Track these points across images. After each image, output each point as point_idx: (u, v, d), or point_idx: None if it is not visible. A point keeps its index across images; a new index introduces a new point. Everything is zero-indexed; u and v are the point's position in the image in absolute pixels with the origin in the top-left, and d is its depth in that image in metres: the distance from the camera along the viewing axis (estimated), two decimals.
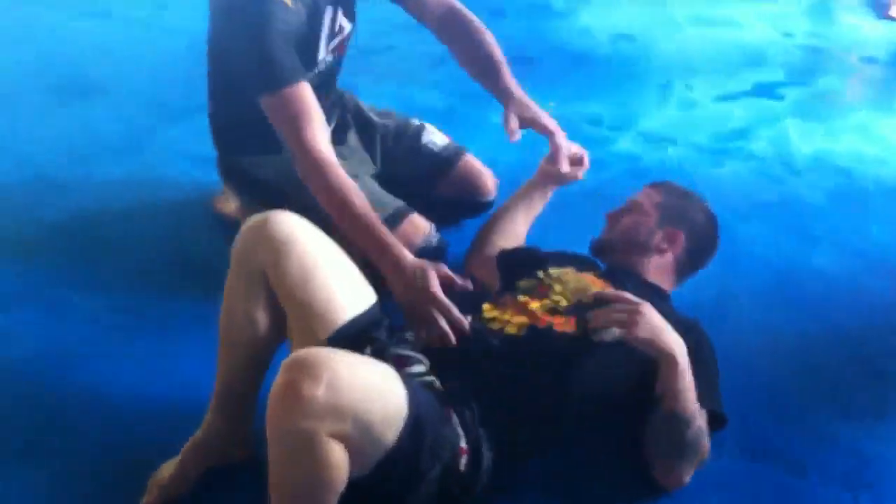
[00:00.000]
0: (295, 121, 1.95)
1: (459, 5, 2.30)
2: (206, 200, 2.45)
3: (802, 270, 2.28)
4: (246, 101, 2.07)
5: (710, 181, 2.55)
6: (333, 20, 2.13)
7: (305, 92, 1.97)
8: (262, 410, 1.46)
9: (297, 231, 1.67)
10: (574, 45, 3.31)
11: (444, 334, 1.71)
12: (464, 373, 1.68)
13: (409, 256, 1.80)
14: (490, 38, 2.23)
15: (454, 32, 2.26)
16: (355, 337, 1.65)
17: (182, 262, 2.29)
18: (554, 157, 2.10)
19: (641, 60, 3.22)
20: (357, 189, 1.89)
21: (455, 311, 1.72)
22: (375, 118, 2.41)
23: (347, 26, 2.19)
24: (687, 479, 1.70)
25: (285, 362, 1.41)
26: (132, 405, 1.91)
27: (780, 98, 2.97)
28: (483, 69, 2.21)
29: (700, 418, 1.67)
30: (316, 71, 2.12)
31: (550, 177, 2.14)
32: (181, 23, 3.41)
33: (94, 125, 2.92)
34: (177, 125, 2.71)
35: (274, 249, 1.65)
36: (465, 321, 1.73)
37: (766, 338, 2.08)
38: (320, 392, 1.35)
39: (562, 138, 2.09)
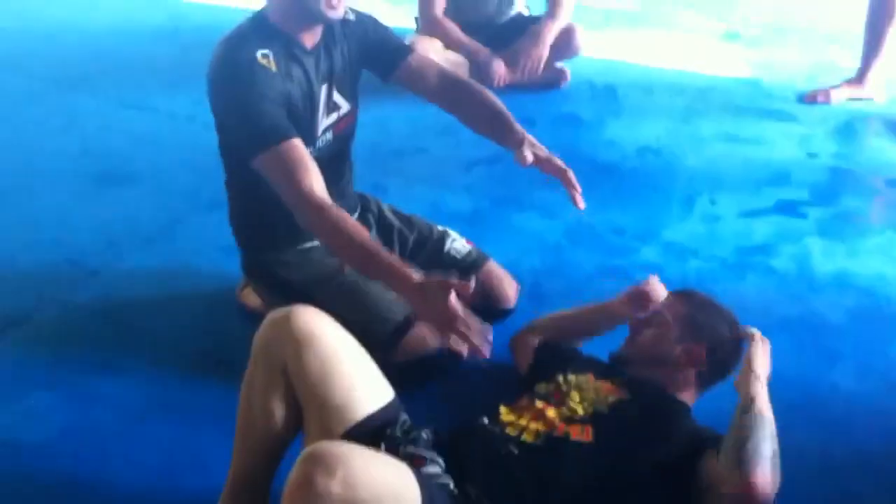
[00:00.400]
0: (291, 174, 1.99)
1: (454, 72, 2.43)
2: (231, 290, 2.50)
3: (824, 389, 2.26)
4: (257, 193, 2.16)
5: (731, 294, 2.54)
6: (329, 97, 2.21)
7: (297, 145, 2.02)
8: (274, 502, 1.48)
9: (318, 327, 1.72)
10: (601, 157, 3.38)
11: (476, 349, 1.77)
12: (480, 478, 1.68)
13: (415, 277, 1.85)
14: (491, 95, 2.33)
15: (456, 96, 2.34)
16: (371, 433, 1.67)
17: (205, 350, 2.33)
18: (571, 196, 2.20)
19: (666, 174, 3.27)
20: (356, 224, 1.99)
21: (476, 323, 1.80)
22: (397, 223, 2.46)
23: (345, 105, 2.26)
24: (770, 486, 1.61)
25: (302, 455, 1.43)
26: (149, 489, 1.94)
27: (804, 216, 3.00)
28: (492, 122, 2.30)
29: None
30: (316, 147, 2.19)
31: (627, 309, 2.14)
32: None
33: (129, 212, 3.01)
34: (208, 215, 2.77)
35: (295, 344, 1.69)
36: (488, 333, 1.80)
37: (789, 458, 2.04)
38: (335, 487, 1.38)
39: (573, 176, 2.20)
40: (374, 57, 2.30)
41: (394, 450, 1.66)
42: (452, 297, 1.77)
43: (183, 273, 2.68)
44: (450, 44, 3.85)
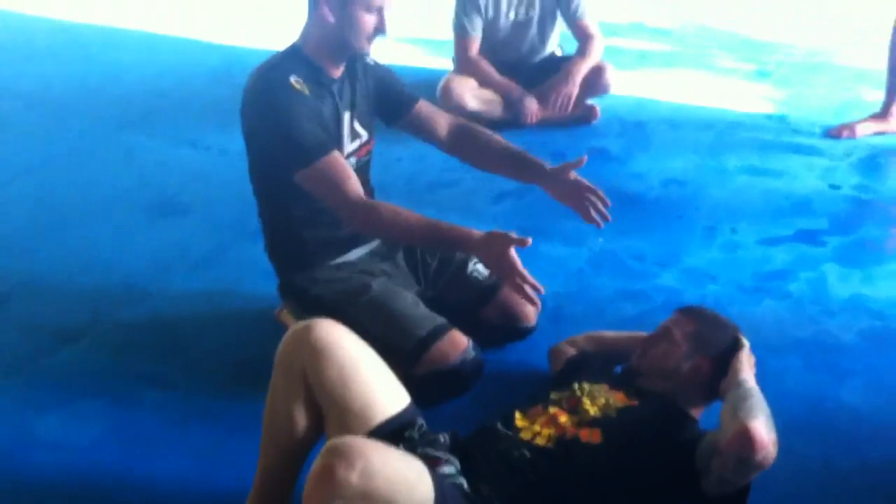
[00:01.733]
0: (338, 185, 2.23)
1: (461, 120, 2.62)
2: (271, 311, 2.66)
3: (831, 404, 2.35)
4: (288, 217, 2.37)
5: (747, 317, 2.64)
6: (351, 125, 2.40)
7: (338, 157, 2.25)
8: (297, 502, 1.61)
9: (336, 337, 1.84)
10: (626, 187, 3.50)
11: (528, 297, 2.15)
12: (493, 479, 1.80)
13: (476, 236, 2.15)
14: (499, 137, 2.55)
15: (464, 142, 2.56)
16: (389, 436, 1.78)
17: (243, 364, 2.50)
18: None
19: (690, 204, 3.38)
20: (404, 210, 2.22)
21: (528, 276, 2.10)
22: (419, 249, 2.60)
23: (364, 134, 2.45)
24: (767, 435, 1.68)
25: (324, 447, 1.56)
26: (185, 489, 2.10)
27: (822, 244, 3.08)
28: (506, 161, 2.51)
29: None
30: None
31: None
32: None
33: (180, 240, 3.21)
34: (252, 243, 2.93)
35: (314, 353, 1.81)
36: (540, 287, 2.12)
37: (792, 467, 2.13)
38: (354, 477, 1.49)
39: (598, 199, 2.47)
40: (385, 101, 2.50)
41: (411, 451, 1.76)
42: (512, 250, 2.07)
43: (227, 295, 2.86)
44: (484, 82, 4.02)
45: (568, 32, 4.15)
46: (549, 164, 2.45)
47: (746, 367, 1.99)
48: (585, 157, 2.40)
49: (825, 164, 3.64)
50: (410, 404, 1.89)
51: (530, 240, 2.08)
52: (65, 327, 2.71)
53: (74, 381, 2.49)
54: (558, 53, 4.26)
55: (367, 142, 2.48)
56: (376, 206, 2.24)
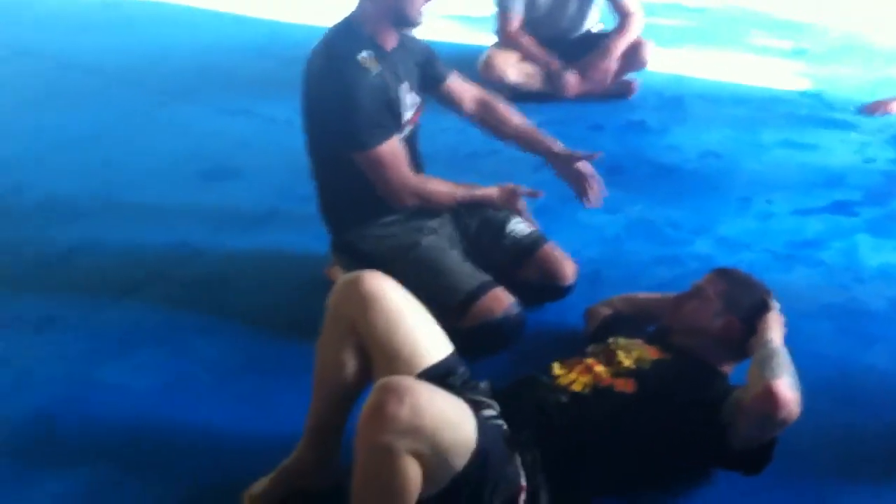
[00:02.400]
0: (392, 170, 2.43)
1: (486, 93, 2.79)
2: (319, 269, 2.77)
3: (857, 367, 2.43)
4: (340, 178, 2.50)
5: (779, 283, 2.67)
6: (407, 93, 2.52)
7: (393, 143, 2.41)
8: (347, 446, 1.72)
9: (383, 288, 1.93)
10: (663, 159, 3.58)
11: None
12: (531, 422, 1.89)
13: (496, 192, 2.66)
14: (517, 115, 2.79)
15: (486, 117, 2.76)
16: (434, 381, 1.84)
17: (294, 318, 2.60)
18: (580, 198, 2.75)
19: (726, 176, 3.45)
20: (440, 182, 2.60)
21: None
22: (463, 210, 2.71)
23: (417, 99, 2.58)
24: (790, 394, 1.76)
25: (376, 385, 1.65)
26: (238, 433, 2.22)
27: (856, 215, 3.15)
28: (525, 138, 2.76)
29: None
30: (402, 136, 2.50)
31: None
32: None
33: (231, 203, 3.34)
34: (301, 206, 3.06)
35: (363, 303, 1.91)
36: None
37: (815, 425, 2.20)
38: (403, 412, 1.58)
39: (591, 183, 2.72)
40: (423, 72, 2.62)
41: (456, 395, 1.87)
42: (521, 201, 2.65)
43: (277, 255, 2.98)
44: (526, 56, 4.11)
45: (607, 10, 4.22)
46: (559, 145, 2.70)
47: (775, 327, 2.05)
48: (598, 154, 2.70)
49: (859, 138, 3.69)
50: (454, 352, 1.99)
51: (542, 193, 2.65)
52: (124, 282, 2.85)
53: (134, 333, 2.62)
54: (597, 29, 4.32)
55: (420, 105, 2.60)
56: (420, 188, 2.51)
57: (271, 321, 2.64)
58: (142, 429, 2.25)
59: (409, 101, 2.52)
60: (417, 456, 1.62)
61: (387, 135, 2.40)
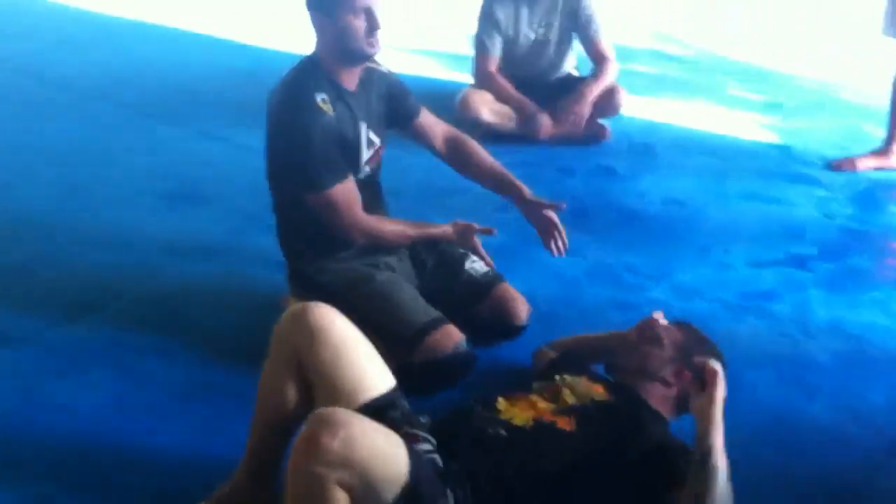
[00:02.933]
0: (344, 211, 2.45)
1: (457, 131, 2.81)
2: (276, 297, 2.78)
3: (797, 418, 2.46)
4: (298, 213, 2.51)
5: (728, 333, 2.76)
6: (367, 134, 2.53)
7: (345, 187, 2.43)
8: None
9: (330, 320, 1.95)
10: (628, 204, 3.63)
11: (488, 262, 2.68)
12: (467, 455, 1.89)
13: (450, 230, 2.67)
14: (487, 156, 2.80)
15: (461, 154, 2.78)
16: (374, 414, 1.85)
17: (246, 344, 2.55)
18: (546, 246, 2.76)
19: (688, 224, 3.50)
20: (393, 224, 2.61)
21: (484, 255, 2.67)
22: (421, 247, 2.73)
23: (377, 141, 2.59)
24: None
25: (311, 416, 1.68)
26: (180, 455, 2.24)
27: (810, 270, 3.19)
28: (494, 180, 2.78)
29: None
30: (358, 177, 2.51)
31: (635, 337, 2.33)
32: None
33: (194, 228, 3.36)
34: (265, 234, 3.09)
35: (308, 334, 1.93)
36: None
37: (751, 472, 2.24)
38: (335, 444, 1.60)
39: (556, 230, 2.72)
40: (393, 109, 2.66)
41: (393, 429, 1.85)
42: (476, 239, 2.67)
43: (237, 281, 3.01)
44: (500, 97, 4.16)
45: (584, 54, 4.28)
46: (528, 191, 2.71)
47: (718, 410, 1.97)
48: (564, 204, 2.71)
49: (823, 194, 3.75)
50: (395, 387, 2.00)
51: (496, 231, 2.68)
52: (80, 300, 2.87)
53: (86, 351, 2.64)
54: (575, 74, 4.39)
55: (380, 147, 2.62)
56: (371, 229, 2.53)
57: (223, 345, 2.65)
58: (87, 447, 2.26)
59: (369, 141, 2.55)
60: (347, 488, 1.63)
61: (339, 177, 2.42)
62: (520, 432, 1.95)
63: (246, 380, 2.27)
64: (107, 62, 5.25)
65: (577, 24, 4.17)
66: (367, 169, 2.57)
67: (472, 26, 4.29)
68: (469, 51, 4.38)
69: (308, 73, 2.45)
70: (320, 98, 2.39)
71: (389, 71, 2.66)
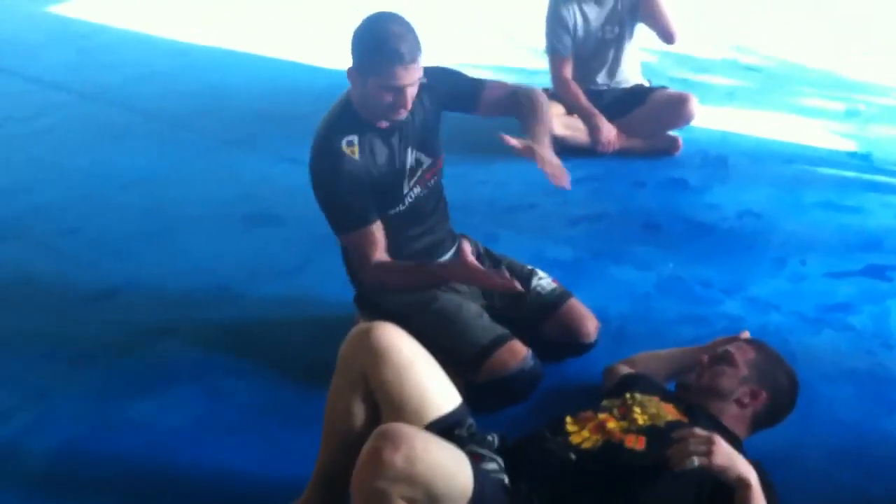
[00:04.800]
0: (363, 252, 2.49)
1: (524, 88, 2.74)
2: (350, 318, 2.83)
3: (874, 434, 2.41)
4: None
5: (805, 346, 2.73)
6: (412, 159, 2.55)
7: (370, 230, 2.46)
8: None
9: (394, 339, 2.00)
10: (701, 217, 3.59)
11: (499, 284, 2.37)
12: (534, 477, 1.91)
13: (451, 270, 2.52)
14: (542, 107, 2.65)
15: (517, 108, 2.68)
16: (440, 433, 1.89)
17: (319, 365, 2.61)
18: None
19: (762, 235, 3.44)
20: (402, 265, 2.55)
21: (495, 276, 2.38)
22: (487, 262, 2.76)
23: (427, 160, 2.59)
24: None
25: (375, 432, 1.71)
26: (256, 474, 2.32)
27: (890, 280, 3.11)
28: (525, 126, 2.64)
29: None
30: (404, 205, 2.56)
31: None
32: None
33: (270, 250, 3.46)
34: (337, 254, 3.15)
35: (373, 354, 1.97)
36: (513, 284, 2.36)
37: (828, 493, 2.22)
38: (398, 459, 1.64)
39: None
40: (454, 102, 2.65)
41: (459, 447, 1.88)
42: (472, 266, 2.38)
43: (310, 302, 3.08)
44: (572, 106, 4.15)
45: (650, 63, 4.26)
46: (545, 149, 2.56)
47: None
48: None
49: None
50: (462, 405, 2.04)
51: (518, 287, 2.39)
52: (163, 323, 2.98)
53: (168, 371, 2.75)
54: (645, 84, 4.36)
55: (432, 164, 2.63)
56: (382, 271, 2.51)
57: (299, 366, 2.73)
58: (168, 464, 2.36)
59: (416, 163, 2.57)
60: (411, 503, 1.67)
61: (356, 224, 2.47)
62: (589, 456, 1.94)
63: (318, 400, 2.31)
64: (189, 91, 5.41)
65: (638, 12, 4.11)
66: (416, 191, 2.60)
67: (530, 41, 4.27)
68: (531, 64, 4.37)
69: (337, 116, 2.47)
70: (346, 142, 2.43)
71: (433, 70, 2.54)
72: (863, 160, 4.07)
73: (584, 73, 4.22)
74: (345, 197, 2.45)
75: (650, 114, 4.15)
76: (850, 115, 4.65)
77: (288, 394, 2.62)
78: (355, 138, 2.44)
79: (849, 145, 4.25)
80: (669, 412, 2.08)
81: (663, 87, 4.28)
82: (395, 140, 2.51)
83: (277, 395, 2.63)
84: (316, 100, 5.17)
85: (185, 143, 4.62)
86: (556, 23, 4.14)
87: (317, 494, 2.07)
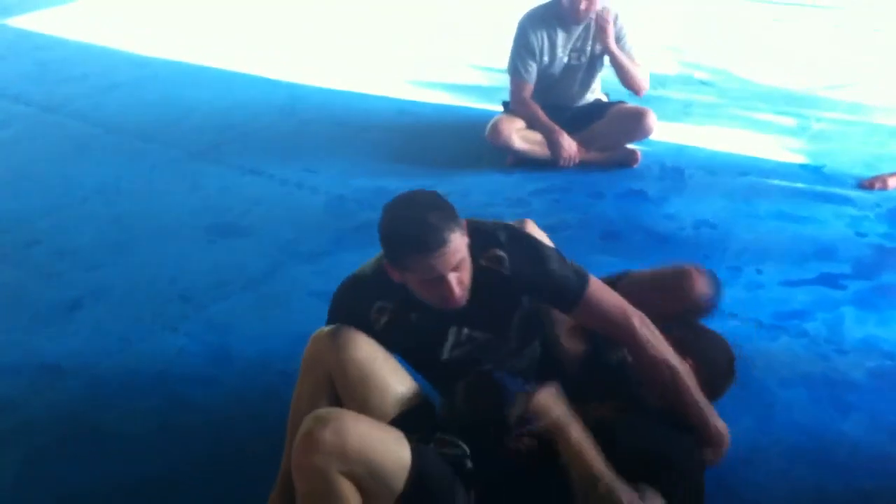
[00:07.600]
0: None
1: (632, 315, 2.25)
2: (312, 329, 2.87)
3: (830, 435, 2.49)
4: None
5: (762, 352, 2.81)
6: (460, 333, 2.18)
7: None
8: None
9: (356, 340, 2.06)
10: (659, 227, 3.66)
11: None
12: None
13: None
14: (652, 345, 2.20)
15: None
16: (402, 429, 1.95)
17: (287, 373, 2.67)
18: None
19: (719, 245, 3.52)
20: None
21: None
22: None
23: (480, 336, 2.20)
24: None
25: (306, 417, 1.81)
26: (222, 482, 2.37)
27: (843, 288, 3.20)
28: None
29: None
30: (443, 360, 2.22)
31: None
32: (324, 185, 3.98)
33: (237, 260, 3.48)
34: (304, 264, 3.20)
35: (336, 354, 2.04)
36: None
37: (786, 488, 2.30)
38: (327, 434, 1.75)
39: None
40: (551, 301, 2.26)
41: (424, 440, 1.96)
42: None
43: (278, 310, 3.11)
44: (532, 123, 4.23)
45: (607, 78, 4.36)
46: None
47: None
48: None
49: (854, 213, 3.75)
50: (425, 402, 2.12)
51: None
52: (125, 334, 2.99)
53: (134, 381, 2.76)
54: (604, 99, 4.45)
55: (486, 340, 2.22)
56: None
57: (264, 375, 2.76)
58: (131, 474, 2.40)
59: (459, 339, 2.20)
60: (352, 478, 1.77)
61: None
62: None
63: (287, 406, 2.35)
64: (152, 103, 5.40)
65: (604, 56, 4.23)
66: (456, 353, 2.22)
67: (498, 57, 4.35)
68: (495, 81, 4.44)
69: (374, 275, 2.14)
70: (377, 307, 2.13)
71: (523, 263, 2.14)
72: (814, 172, 4.18)
73: (548, 96, 4.30)
74: None
75: (609, 127, 4.23)
76: (802, 129, 4.77)
77: (257, 401, 2.64)
78: (388, 305, 2.13)
79: (801, 159, 4.35)
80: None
81: (621, 102, 4.37)
82: (432, 310, 2.10)
83: (243, 402, 2.65)
84: (277, 112, 5.27)
85: (147, 154, 4.62)
86: (521, 46, 4.21)
87: (281, 495, 2.12)
